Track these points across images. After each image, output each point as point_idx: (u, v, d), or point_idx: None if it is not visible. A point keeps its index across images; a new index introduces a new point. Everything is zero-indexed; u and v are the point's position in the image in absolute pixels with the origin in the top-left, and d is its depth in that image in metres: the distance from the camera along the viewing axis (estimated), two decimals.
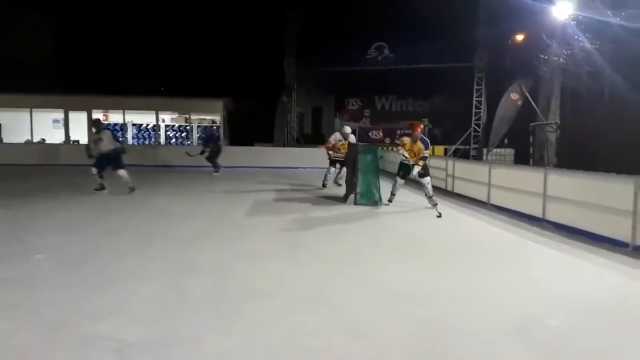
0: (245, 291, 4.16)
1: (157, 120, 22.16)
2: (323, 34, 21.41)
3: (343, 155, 11.41)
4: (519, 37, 18.82)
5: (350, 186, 9.55)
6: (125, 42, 26.70)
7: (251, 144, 21.12)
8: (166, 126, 22.50)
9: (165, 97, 23.13)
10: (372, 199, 9.12)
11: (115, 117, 22.37)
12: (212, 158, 15.24)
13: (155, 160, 18.21)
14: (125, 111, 21.97)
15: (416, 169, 8.79)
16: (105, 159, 9.93)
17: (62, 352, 2.96)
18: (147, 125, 22.33)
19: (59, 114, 21.44)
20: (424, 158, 8.81)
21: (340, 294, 4.17)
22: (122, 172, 10.10)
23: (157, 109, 22.12)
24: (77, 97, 21.12)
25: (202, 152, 15.15)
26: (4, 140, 20.84)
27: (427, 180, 8.78)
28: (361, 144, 12.19)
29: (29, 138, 21.01)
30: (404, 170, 9.00)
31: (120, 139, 14.54)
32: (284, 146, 21.62)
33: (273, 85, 24.03)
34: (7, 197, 9.54)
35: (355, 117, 25.82)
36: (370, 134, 23.83)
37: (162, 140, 22.18)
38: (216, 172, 15.08)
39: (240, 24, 23.89)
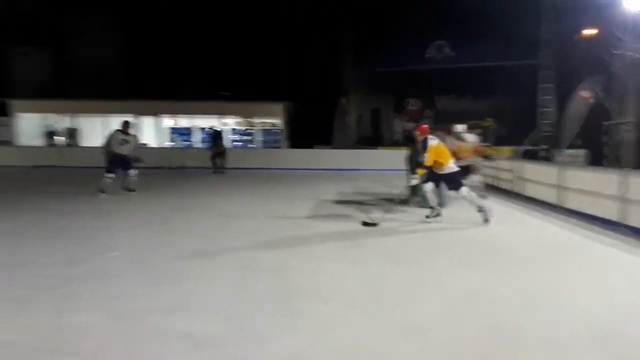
0: (307, 290, 4.22)
1: (221, 124, 22.84)
2: (380, 34, 21.29)
3: (466, 159, 9.57)
4: (588, 32, 17.85)
5: (412, 188, 9.37)
6: (191, 48, 27.69)
7: (311, 147, 21.30)
8: (232, 129, 23.16)
9: (229, 101, 23.81)
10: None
11: (182, 121, 23.31)
12: (219, 157, 16.29)
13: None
14: (192, 115, 22.83)
15: (414, 180, 7.82)
16: (120, 161, 10.52)
17: (138, 344, 3.12)
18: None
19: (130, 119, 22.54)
20: (421, 165, 7.53)
21: (402, 295, 4.14)
22: (133, 172, 10.74)
23: (221, 113, 22.80)
24: (146, 102, 22.13)
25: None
26: (82, 144, 22.18)
27: (462, 192, 7.55)
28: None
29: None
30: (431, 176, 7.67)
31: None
32: (343, 148, 21.65)
33: (332, 87, 24.15)
34: (80, 197, 10.15)
35: (414, 118, 25.40)
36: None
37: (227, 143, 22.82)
38: (221, 172, 16.07)
39: (299, 28, 24.16)
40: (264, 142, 23.37)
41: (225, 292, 4.15)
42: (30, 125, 22.71)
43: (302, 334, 3.30)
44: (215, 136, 18.03)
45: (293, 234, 6.67)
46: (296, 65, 24.71)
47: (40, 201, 9.69)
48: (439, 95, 25.24)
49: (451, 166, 7.66)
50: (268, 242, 6.16)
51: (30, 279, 4.47)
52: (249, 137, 23.36)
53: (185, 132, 23.29)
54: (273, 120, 23.58)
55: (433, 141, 7.60)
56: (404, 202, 9.33)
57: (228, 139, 22.51)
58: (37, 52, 30.75)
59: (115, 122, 22.42)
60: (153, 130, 22.56)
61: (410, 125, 25.24)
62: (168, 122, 23.29)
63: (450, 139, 9.57)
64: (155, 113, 22.34)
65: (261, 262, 5.13)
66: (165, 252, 5.53)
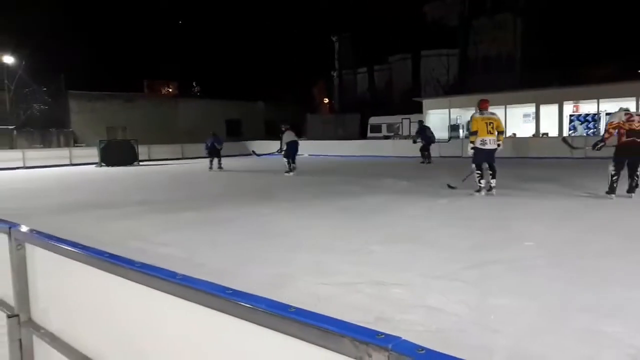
0: None
1: (638, 107, 19.63)
2: None
3: None
4: None
5: None
6: (593, 29, 25.09)
7: None
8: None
9: None
10: None
11: (586, 108, 21.31)
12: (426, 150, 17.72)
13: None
14: (600, 100, 20.53)
15: None
16: None
17: (569, 340, 2.95)
18: None
19: (530, 109, 22.16)
20: None
21: None
22: None
23: (638, 95, 19.59)
24: (548, 90, 21.26)
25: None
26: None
27: None
28: None
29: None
30: None
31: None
32: None
33: None
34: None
35: None
36: None
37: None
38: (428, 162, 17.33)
39: None
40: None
41: None
42: (437, 120, 25.39)
43: None
44: (422, 129, 18.57)
45: None
46: None
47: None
48: None
49: None
50: None
51: (446, 260, 4.78)
52: None
53: (588, 120, 21.16)
54: None
55: None
56: None
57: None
58: (445, 54, 34.18)
59: (514, 112, 22.50)
60: (555, 119, 21.47)
61: None
62: (567, 109, 21.68)
63: None
64: (557, 101, 21.16)
65: None
66: (582, 249, 5.09)
